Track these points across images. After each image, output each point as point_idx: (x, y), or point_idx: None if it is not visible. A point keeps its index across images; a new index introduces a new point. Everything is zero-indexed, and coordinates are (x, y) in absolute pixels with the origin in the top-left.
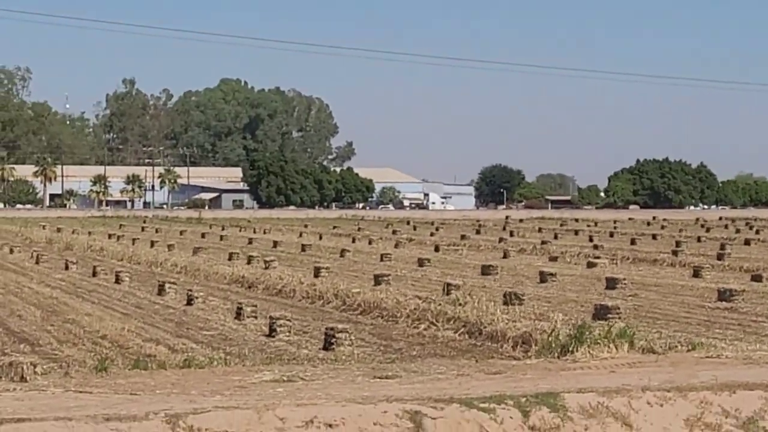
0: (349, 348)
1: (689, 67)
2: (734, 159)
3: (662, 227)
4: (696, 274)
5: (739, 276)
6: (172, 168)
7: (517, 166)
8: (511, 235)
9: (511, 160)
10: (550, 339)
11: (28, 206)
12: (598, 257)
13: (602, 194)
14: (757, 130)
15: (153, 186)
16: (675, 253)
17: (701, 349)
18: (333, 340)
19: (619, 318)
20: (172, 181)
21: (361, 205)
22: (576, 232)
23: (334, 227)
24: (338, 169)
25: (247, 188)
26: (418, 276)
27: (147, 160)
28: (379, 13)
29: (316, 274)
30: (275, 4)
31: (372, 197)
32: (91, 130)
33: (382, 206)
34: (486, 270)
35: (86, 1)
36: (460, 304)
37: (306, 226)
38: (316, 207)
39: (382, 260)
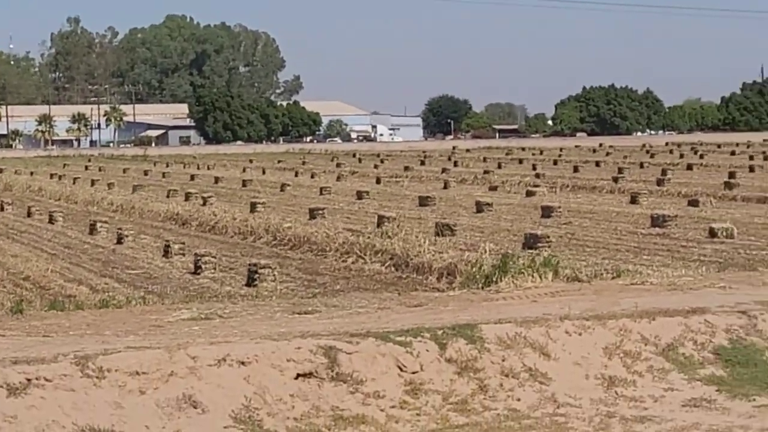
0: (272, 284)
1: None
2: (680, 84)
3: (607, 154)
4: (633, 200)
5: (677, 201)
6: (117, 106)
7: (464, 97)
8: (455, 165)
9: (458, 91)
10: (473, 270)
11: None
12: (537, 186)
13: (549, 122)
14: (703, 55)
15: (99, 124)
16: (615, 179)
17: (626, 276)
18: (256, 276)
19: (549, 247)
20: (118, 119)
21: (308, 138)
22: (521, 161)
23: (279, 161)
24: (285, 104)
25: (194, 125)
26: (355, 209)
27: (93, 99)
28: None
29: (252, 210)
30: None
31: (319, 131)
32: (37, 69)
33: (330, 139)
34: (423, 201)
35: None
36: (389, 237)
37: (251, 161)
38: (264, 142)
39: (321, 194)
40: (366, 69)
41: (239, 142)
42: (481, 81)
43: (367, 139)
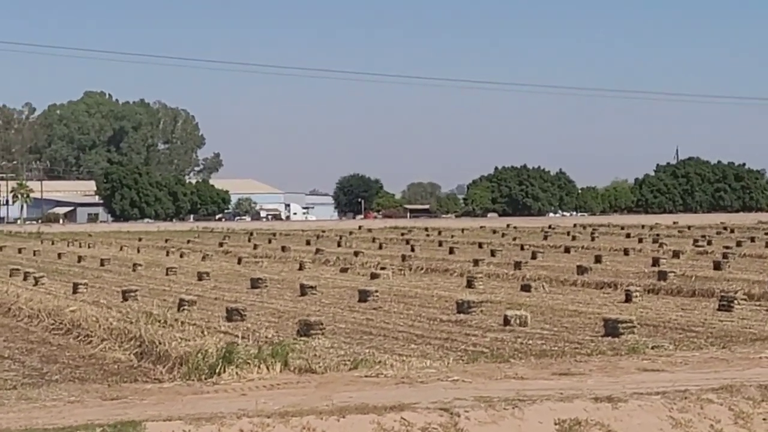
0: None
1: (548, 74)
2: (594, 166)
3: (503, 235)
4: (469, 284)
5: (514, 286)
6: (24, 182)
7: (375, 176)
8: (339, 245)
9: (370, 170)
10: (197, 360)
11: None
12: (383, 268)
13: (462, 202)
14: (617, 137)
15: (7, 200)
16: (476, 262)
17: (363, 367)
18: None
19: (323, 333)
20: (25, 195)
21: (218, 216)
22: (407, 242)
23: (166, 240)
24: (194, 181)
25: (102, 202)
26: (173, 290)
27: (8, 175)
28: (238, 23)
29: (75, 291)
30: (135, 17)
31: (228, 209)
32: None
33: (238, 218)
34: (255, 283)
35: None
36: (159, 321)
37: (140, 239)
38: (173, 220)
39: (167, 274)
40: (282, 147)
41: (147, 220)
42: (393, 160)
43: (276, 217)
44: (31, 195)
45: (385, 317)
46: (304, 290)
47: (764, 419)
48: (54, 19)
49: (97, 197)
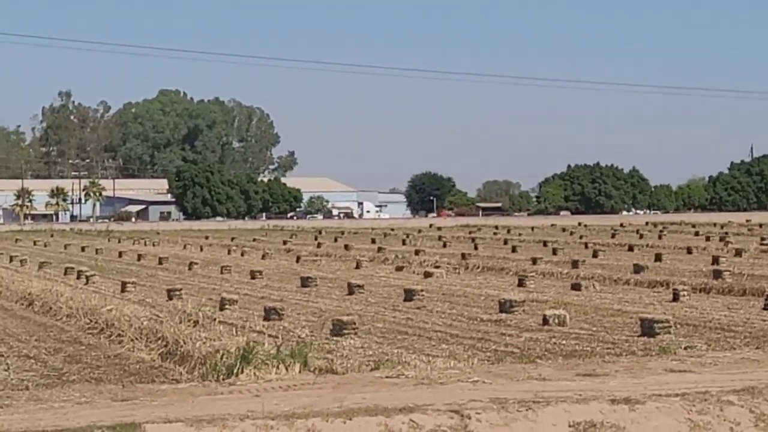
0: (5, 373)
1: (622, 71)
2: (668, 164)
3: (570, 233)
4: (520, 283)
5: (565, 284)
6: (97, 181)
7: (449, 174)
8: (404, 243)
9: (444, 169)
10: (215, 360)
11: None
12: (438, 266)
13: (534, 200)
14: (691, 134)
15: (80, 199)
16: (534, 261)
17: (385, 368)
18: None
19: (355, 333)
20: (97, 193)
21: (290, 215)
22: (473, 240)
23: (232, 238)
24: (266, 180)
25: (173, 200)
26: (222, 288)
27: (81, 173)
28: (312, 22)
29: (123, 289)
30: (210, 16)
31: (300, 207)
32: (26, 143)
33: (310, 216)
34: (306, 282)
35: (24, 15)
36: (180, 322)
37: (207, 237)
38: (245, 218)
39: (221, 273)
40: (356, 146)
41: (218, 218)
42: (465, 158)
43: (348, 216)
44: (104, 193)
45: (425, 317)
46: (351, 289)
47: None
48: (130, 19)
49: (169, 195)
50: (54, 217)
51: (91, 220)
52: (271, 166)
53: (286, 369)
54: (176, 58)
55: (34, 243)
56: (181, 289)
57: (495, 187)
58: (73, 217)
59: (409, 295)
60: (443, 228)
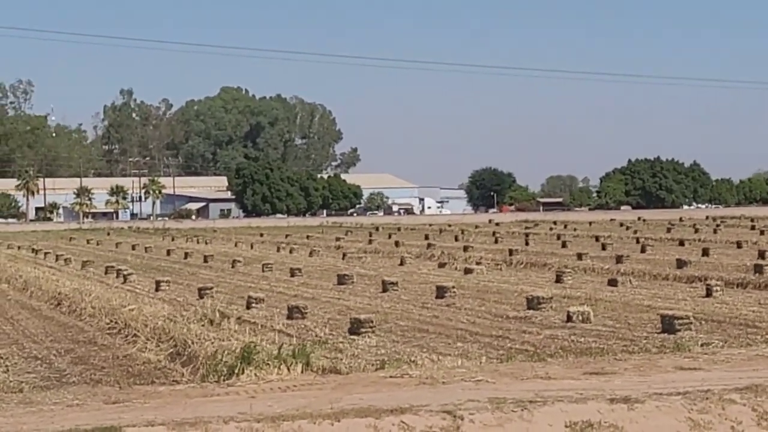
0: (4, 375)
1: (680, 65)
2: (729, 158)
3: (627, 228)
4: (558, 279)
5: (603, 280)
6: (156, 178)
7: (510, 169)
8: (456, 240)
9: (505, 164)
10: (215, 361)
11: (10, 220)
12: (478, 263)
13: (595, 195)
14: (753, 128)
15: (140, 196)
16: (580, 256)
17: (390, 367)
18: None
19: (372, 331)
20: (157, 191)
21: (350, 211)
22: (527, 236)
23: (287, 236)
24: (326, 176)
25: (234, 198)
26: (258, 286)
27: (142, 171)
28: (371, 19)
29: (157, 288)
30: (271, 13)
31: (360, 203)
32: (88, 141)
33: (370, 212)
34: (342, 279)
35: (83, 13)
36: (191, 323)
37: (261, 234)
38: (306, 215)
39: (263, 271)
40: (418, 142)
41: (279, 215)
42: (527, 154)
43: (408, 212)
44: (164, 191)
45: (451, 314)
46: (385, 286)
47: None
48: (191, 17)
49: (229, 193)
50: (114, 216)
51: (151, 218)
52: (334, 163)
53: (288, 369)
54: (238, 56)
55: (87, 242)
56: (212, 288)
57: (559, 182)
58: (133, 215)
59: (440, 292)
60: (501, 224)
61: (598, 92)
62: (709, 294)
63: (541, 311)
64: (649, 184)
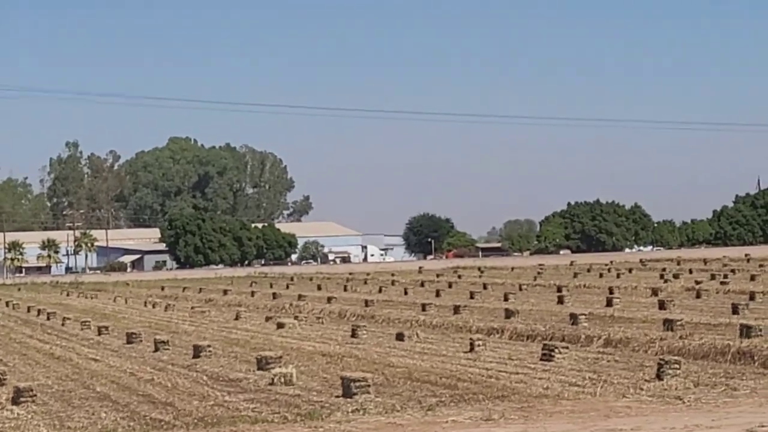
0: None
1: (621, 107)
2: (670, 199)
3: (539, 273)
4: (353, 333)
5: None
6: (87, 231)
7: (446, 215)
8: (345, 290)
9: (444, 211)
10: None
11: None
12: (296, 317)
13: (535, 240)
14: (694, 168)
15: (74, 250)
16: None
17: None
18: None
19: (33, 401)
20: (89, 244)
21: (289, 260)
22: (450, 285)
23: (184, 289)
24: (260, 226)
25: (167, 249)
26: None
27: (76, 225)
28: (316, 68)
29: None
30: (218, 64)
31: (295, 252)
32: (34, 195)
33: (304, 261)
34: (130, 338)
35: (30, 68)
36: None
37: (162, 288)
38: (242, 264)
39: (99, 333)
40: (363, 190)
41: (212, 266)
42: (464, 198)
43: (345, 260)
44: (100, 244)
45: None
46: (197, 350)
47: None
48: (138, 69)
49: (164, 244)
50: (48, 270)
51: (84, 272)
52: (286, 212)
53: None
54: (186, 108)
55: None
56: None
57: (517, 226)
58: (68, 269)
59: (196, 351)
60: (425, 271)
61: (536, 136)
62: (472, 349)
63: (270, 371)
64: (589, 227)
